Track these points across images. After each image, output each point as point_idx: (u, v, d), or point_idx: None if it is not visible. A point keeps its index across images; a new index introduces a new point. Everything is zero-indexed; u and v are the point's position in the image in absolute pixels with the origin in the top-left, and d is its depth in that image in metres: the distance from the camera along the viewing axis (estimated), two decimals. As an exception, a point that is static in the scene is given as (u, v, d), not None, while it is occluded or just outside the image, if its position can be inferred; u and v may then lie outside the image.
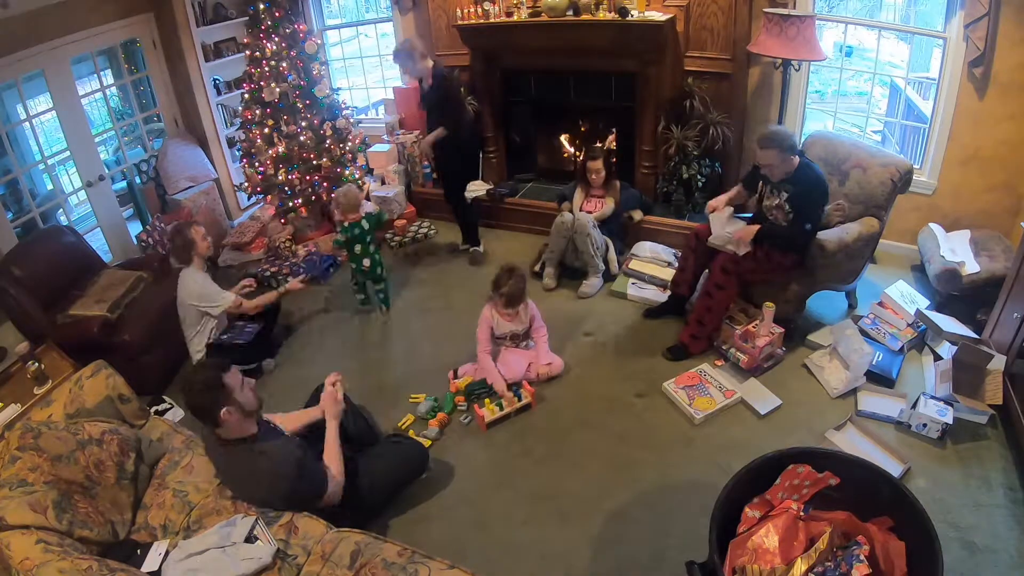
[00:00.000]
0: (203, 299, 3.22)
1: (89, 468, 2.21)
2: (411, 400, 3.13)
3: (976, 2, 3.13)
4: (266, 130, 4.34)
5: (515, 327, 3.18)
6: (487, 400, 2.92)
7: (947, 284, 3.30)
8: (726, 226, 3.25)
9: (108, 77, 4.77)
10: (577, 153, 4.91)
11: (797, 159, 2.98)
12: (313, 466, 2.24)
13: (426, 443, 2.82)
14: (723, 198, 3.36)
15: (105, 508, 2.20)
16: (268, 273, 4.29)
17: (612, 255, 3.96)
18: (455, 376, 3.23)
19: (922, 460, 2.58)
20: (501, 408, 2.95)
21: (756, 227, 3.12)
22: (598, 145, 4.25)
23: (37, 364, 2.91)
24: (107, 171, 4.56)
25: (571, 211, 3.94)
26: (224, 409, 2.08)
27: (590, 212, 3.97)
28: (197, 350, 3.33)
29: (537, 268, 4.10)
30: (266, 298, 3.39)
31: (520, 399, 2.98)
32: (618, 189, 4.05)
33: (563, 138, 4.98)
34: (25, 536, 1.89)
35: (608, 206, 4.00)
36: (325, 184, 4.54)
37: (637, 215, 4.17)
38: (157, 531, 2.23)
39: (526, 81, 4.60)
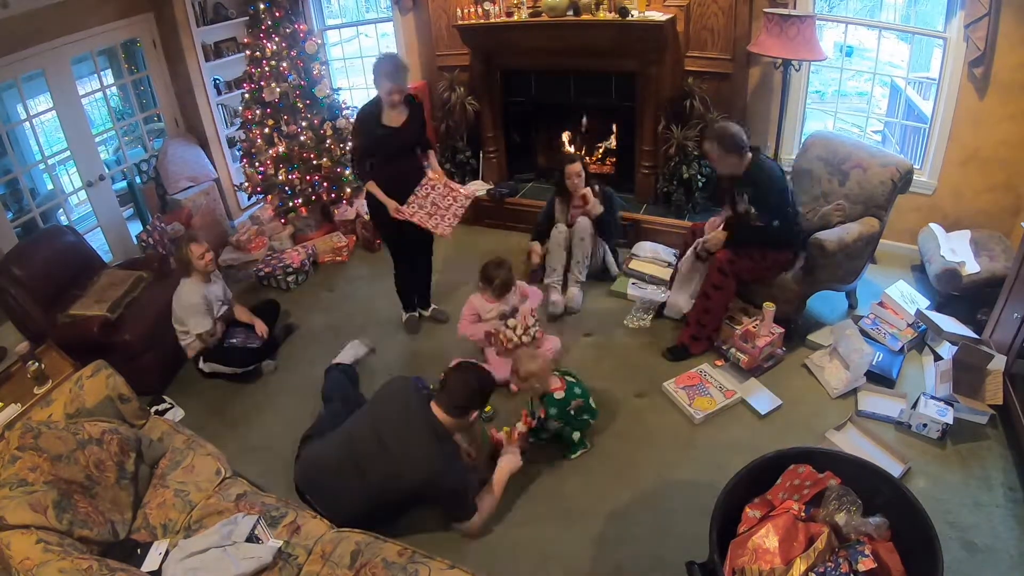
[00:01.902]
0: (182, 315, 3.24)
1: (89, 468, 2.21)
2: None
3: (976, 2, 3.13)
4: (266, 130, 4.34)
5: (502, 307, 3.21)
6: (505, 427, 2.82)
7: (947, 284, 3.30)
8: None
9: (108, 77, 4.77)
10: (577, 152, 4.90)
11: (746, 157, 2.99)
12: (470, 490, 2.42)
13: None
14: (719, 219, 3.32)
15: (105, 508, 2.20)
16: (263, 273, 4.29)
17: (610, 258, 3.96)
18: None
19: (922, 460, 2.58)
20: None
21: (723, 234, 3.14)
22: (571, 150, 4.16)
23: (37, 364, 2.90)
24: (107, 171, 4.56)
25: (564, 223, 3.83)
26: (476, 412, 2.40)
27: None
28: (190, 349, 3.34)
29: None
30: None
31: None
32: (596, 192, 3.86)
33: (564, 138, 4.97)
34: (25, 536, 1.89)
35: (596, 203, 3.83)
36: (325, 184, 4.54)
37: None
38: (157, 531, 2.24)
39: (526, 81, 4.60)
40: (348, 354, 3.41)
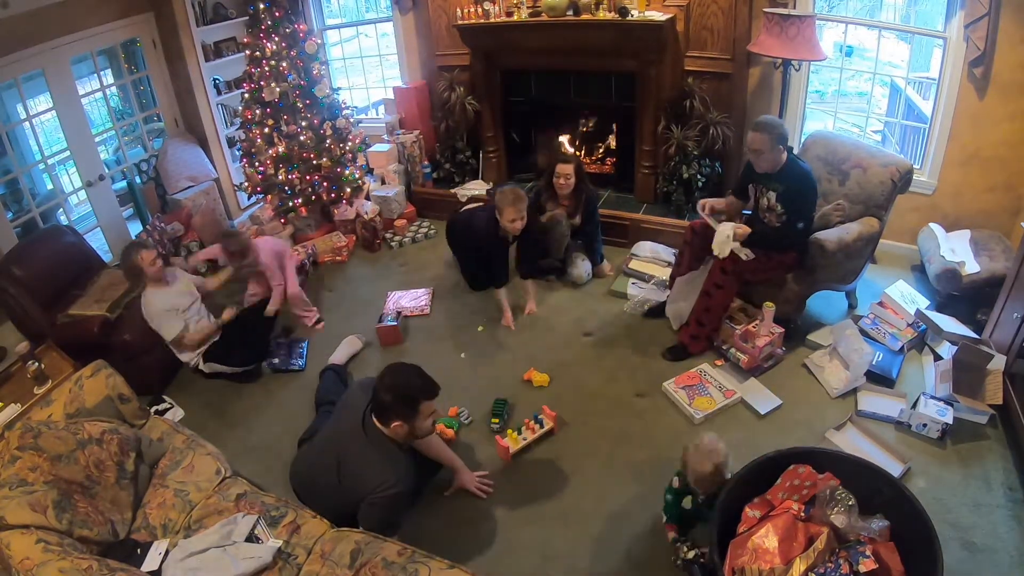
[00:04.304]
0: (153, 321, 3.20)
1: (89, 468, 2.21)
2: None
3: (976, 2, 3.13)
4: (266, 130, 4.33)
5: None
6: (510, 431, 2.83)
7: (947, 284, 3.30)
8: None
9: (108, 77, 4.77)
10: (577, 152, 4.90)
11: (786, 154, 2.98)
12: (403, 505, 2.24)
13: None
14: (714, 201, 3.31)
15: (105, 508, 2.20)
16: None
17: (581, 264, 3.98)
18: None
19: (922, 460, 2.58)
20: (525, 438, 2.82)
21: (747, 229, 3.13)
22: (571, 151, 4.11)
23: (37, 364, 2.90)
24: (107, 171, 4.56)
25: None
26: (400, 422, 2.12)
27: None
28: (188, 357, 3.34)
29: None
30: (208, 329, 3.32)
31: (542, 425, 2.88)
32: (584, 203, 3.86)
33: (564, 138, 4.97)
34: (25, 536, 1.89)
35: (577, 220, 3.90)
36: (325, 184, 4.54)
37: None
38: (157, 531, 2.23)
39: (526, 81, 4.60)
40: (343, 352, 3.42)
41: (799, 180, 2.97)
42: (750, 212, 3.33)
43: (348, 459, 2.19)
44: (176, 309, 3.24)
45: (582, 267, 3.94)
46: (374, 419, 2.19)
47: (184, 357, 3.34)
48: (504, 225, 3.45)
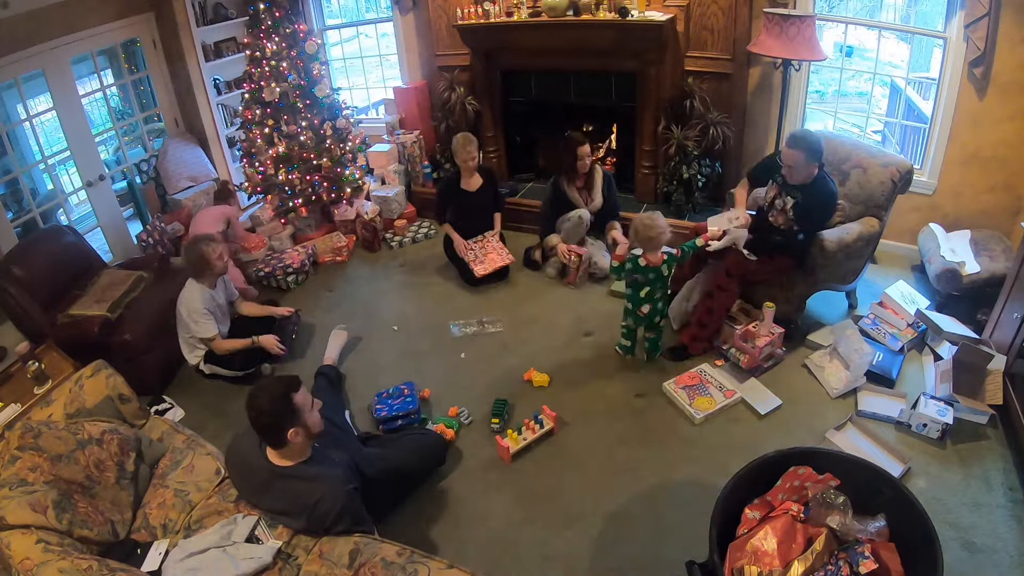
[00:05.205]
0: (191, 316, 3.15)
1: (89, 468, 2.21)
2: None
3: (976, 2, 3.13)
4: (266, 130, 4.33)
5: None
6: (510, 431, 2.82)
7: (947, 284, 3.30)
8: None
9: (108, 77, 4.77)
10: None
11: (818, 169, 2.96)
12: (359, 505, 2.10)
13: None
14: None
15: (105, 508, 2.20)
16: (263, 273, 4.29)
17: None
18: None
19: (922, 460, 2.58)
20: (525, 438, 2.81)
21: (746, 233, 3.13)
22: (582, 131, 4.21)
23: (37, 364, 2.91)
24: (107, 171, 4.56)
25: (580, 215, 3.91)
26: (292, 430, 2.01)
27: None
28: (194, 356, 3.34)
29: (537, 256, 4.13)
30: (239, 343, 3.26)
31: (542, 425, 2.87)
32: (601, 175, 3.98)
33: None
34: (25, 536, 1.89)
35: (598, 200, 4.00)
36: (325, 184, 4.54)
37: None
38: (157, 531, 2.23)
39: (526, 81, 4.60)
40: (334, 347, 3.42)
41: (820, 198, 2.96)
42: (755, 213, 3.32)
43: (292, 504, 2.08)
44: (213, 310, 3.20)
45: (605, 259, 3.94)
46: (268, 454, 2.09)
47: (188, 353, 3.34)
48: (462, 167, 3.95)
